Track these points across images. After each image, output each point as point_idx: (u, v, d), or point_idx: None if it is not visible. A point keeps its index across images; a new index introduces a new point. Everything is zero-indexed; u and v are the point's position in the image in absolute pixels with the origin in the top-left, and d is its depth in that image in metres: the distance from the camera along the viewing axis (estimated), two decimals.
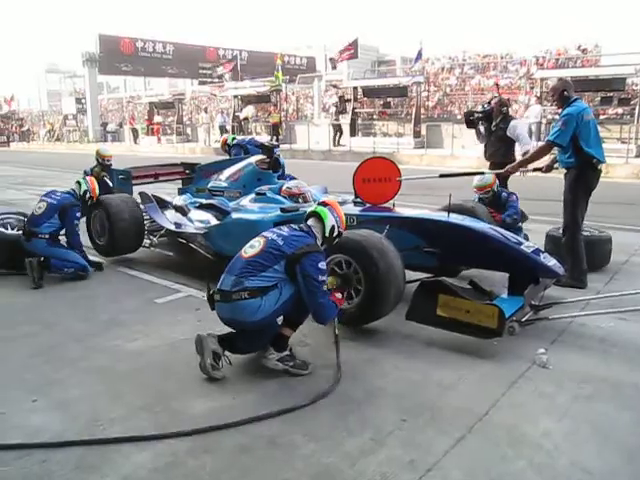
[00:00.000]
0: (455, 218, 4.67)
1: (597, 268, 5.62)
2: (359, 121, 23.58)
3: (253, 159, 7.08)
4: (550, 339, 4.01)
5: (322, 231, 3.71)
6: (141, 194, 6.72)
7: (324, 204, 3.84)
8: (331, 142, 22.30)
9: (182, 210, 6.45)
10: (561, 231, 5.48)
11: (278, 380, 3.47)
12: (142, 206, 6.42)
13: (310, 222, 3.75)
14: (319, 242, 3.67)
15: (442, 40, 74.13)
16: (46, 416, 3.10)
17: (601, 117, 18.07)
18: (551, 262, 4.31)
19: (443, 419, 3.00)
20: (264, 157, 7.11)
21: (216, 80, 36.37)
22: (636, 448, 2.74)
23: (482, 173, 6.17)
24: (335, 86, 28.21)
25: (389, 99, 23.22)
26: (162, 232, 6.38)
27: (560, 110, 5.36)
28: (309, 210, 3.85)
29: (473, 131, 7.50)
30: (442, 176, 5.91)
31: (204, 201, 6.52)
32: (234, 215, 5.68)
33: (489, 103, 7.50)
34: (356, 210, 5.11)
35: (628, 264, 6.02)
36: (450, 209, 4.74)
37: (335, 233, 3.74)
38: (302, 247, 3.47)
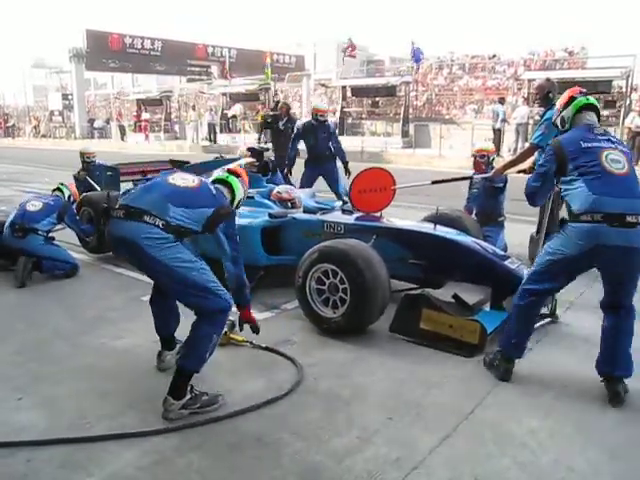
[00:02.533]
0: (441, 231, 4.67)
1: None
2: (348, 120, 23.58)
3: (242, 162, 6.97)
4: (535, 339, 4.03)
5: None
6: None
7: (236, 174, 3.64)
8: None
9: None
10: (535, 229, 5.59)
11: (265, 378, 3.48)
12: None
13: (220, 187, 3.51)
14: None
15: (430, 40, 74.37)
16: (31, 414, 3.08)
17: None
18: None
19: (429, 417, 3.02)
20: (253, 160, 7.04)
21: (204, 77, 36.23)
22: (618, 446, 2.78)
23: (471, 178, 6.20)
24: (324, 85, 28.22)
25: (378, 99, 23.27)
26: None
27: (542, 110, 5.50)
28: (219, 176, 3.61)
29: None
30: (434, 182, 5.96)
31: None
32: None
33: (275, 108, 9.20)
34: (344, 219, 5.09)
35: None
36: (437, 220, 4.75)
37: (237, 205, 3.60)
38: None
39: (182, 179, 3.26)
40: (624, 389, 3.21)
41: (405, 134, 21.48)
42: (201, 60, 37.34)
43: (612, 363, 3.25)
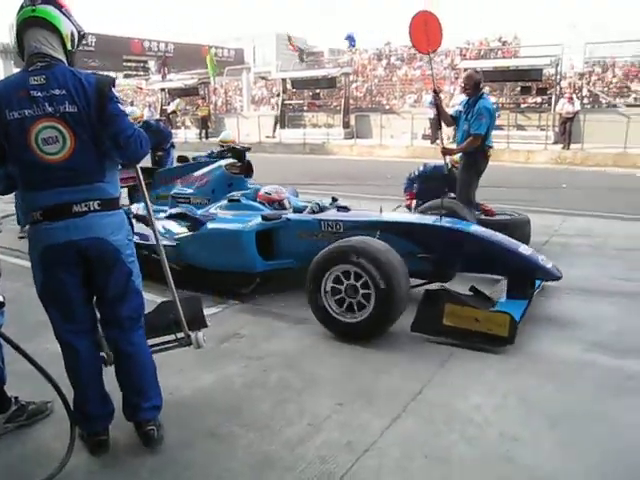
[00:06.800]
0: (448, 221, 4.54)
1: None
2: (289, 113, 23.55)
3: (223, 162, 6.56)
4: None
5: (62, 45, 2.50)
6: None
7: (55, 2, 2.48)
8: (262, 134, 22.20)
9: (145, 220, 5.51)
10: None
11: (214, 373, 3.47)
12: None
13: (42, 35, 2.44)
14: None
15: (368, 31, 74.96)
16: None
17: (522, 106, 18.85)
18: (549, 264, 4.28)
19: (378, 401, 3.09)
20: (234, 161, 6.57)
21: (142, 73, 35.43)
22: (559, 414, 2.93)
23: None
24: (264, 78, 28.11)
25: (318, 90, 23.31)
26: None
27: (469, 99, 5.89)
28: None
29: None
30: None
31: (173, 211, 5.84)
32: (211, 225, 5.08)
33: None
34: (342, 216, 4.81)
35: (548, 244, 6.34)
36: (428, 211, 4.77)
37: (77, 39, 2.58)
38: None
39: None
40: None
41: (346, 125, 21.63)
42: (137, 55, 36.41)
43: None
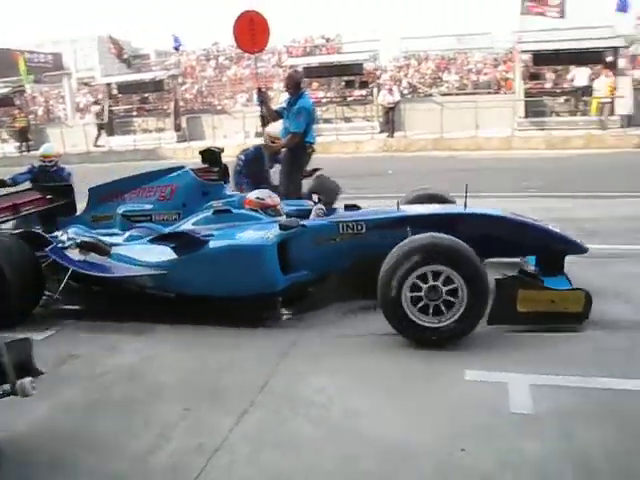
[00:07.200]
0: (476, 208, 4.42)
1: None
2: (116, 119, 22.54)
3: (189, 168, 5.56)
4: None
5: None
6: (30, 234, 4.86)
7: None
8: (89, 143, 21.08)
9: (97, 248, 4.70)
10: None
11: (49, 400, 3.26)
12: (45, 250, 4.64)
13: None
14: None
15: (194, 32, 73.88)
16: None
17: (348, 99, 19.76)
18: (578, 240, 4.41)
19: (225, 400, 3.12)
20: (205, 166, 5.62)
21: None
22: (393, 384, 3.18)
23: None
24: (87, 84, 26.64)
25: (146, 94, 22.57)
26: (64, 282, 4.58)
27: (291, 98, 6.12)
28: None
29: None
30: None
31: (135, 232, 5.00)
32: (214, 243, 4.28)
33: None
34: (361, 215, 4.48)
35: None
36: (417, 200, 4.84)
37: None
38: None
39: None
40: None
41: (178, 128, 21.19)
42: None
43: None
